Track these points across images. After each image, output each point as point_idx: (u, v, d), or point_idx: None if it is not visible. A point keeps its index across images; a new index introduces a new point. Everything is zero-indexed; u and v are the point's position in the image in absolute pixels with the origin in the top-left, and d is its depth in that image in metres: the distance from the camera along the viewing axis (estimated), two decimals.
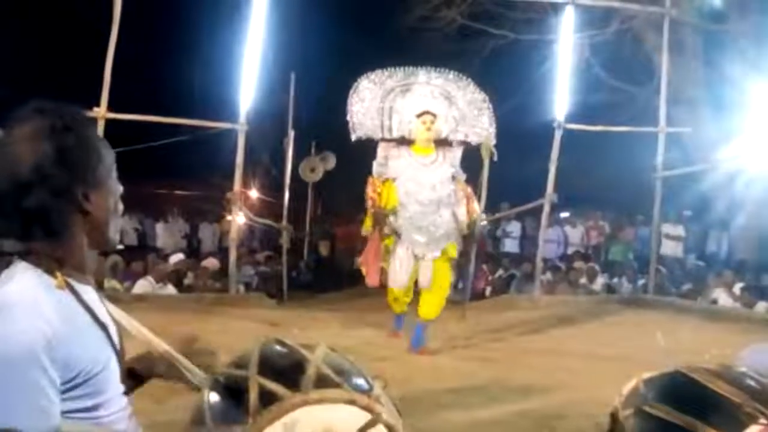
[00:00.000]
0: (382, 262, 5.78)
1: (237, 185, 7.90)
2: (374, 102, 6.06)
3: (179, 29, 13.63)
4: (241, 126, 7.80)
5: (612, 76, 11.57)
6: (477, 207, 5.88)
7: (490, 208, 11.95)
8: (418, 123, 5.78)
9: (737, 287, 8.07)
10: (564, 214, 12.97)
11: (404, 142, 5.90)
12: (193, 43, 13.73)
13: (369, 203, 5.77)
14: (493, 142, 6.02)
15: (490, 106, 6.12)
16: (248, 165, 9.24)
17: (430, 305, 5.68)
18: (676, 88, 9.86)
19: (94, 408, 1.19)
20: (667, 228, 10.27)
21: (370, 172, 5.94)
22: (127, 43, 7.61)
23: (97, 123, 7.15)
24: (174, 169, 16.53)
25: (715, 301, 8.05)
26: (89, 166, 1.26)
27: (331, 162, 13.25)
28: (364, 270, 5.90)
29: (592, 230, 12.80)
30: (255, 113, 8.08)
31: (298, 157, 12.33)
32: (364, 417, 1.03)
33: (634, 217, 12.61)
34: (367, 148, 6.18)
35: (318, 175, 13.22)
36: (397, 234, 5.66)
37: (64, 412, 1.13)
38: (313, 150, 13.51)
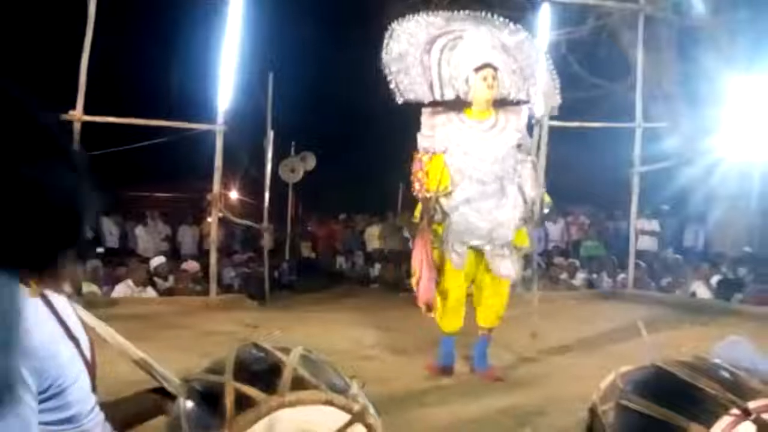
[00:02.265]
0: (433, 261, 4.55)
1: (216, 187, 7.86)
2: (415, 57, 4.78)
3: (155, 30, 13.54)
4: (219, 127, 7.76)
5: (589, 72, 11.66)
6: (541, 183, 4.87)
7: None
8: (478, 79, 4.54)
9: (714, 280, 8.18)
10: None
11: (456, 105, 4.68)
12: (170, 44, 13.63)
13: (416, 186, 4.60)
14: (559, 101, 5.11)
15: (549, 56, 5.12)
16: (227, 166, 9.19)
17: (491, 310, 4.69)
18: (652, 83, 9.96)
19: (67, 421, 1.17)
20: (642, 223, 10.37)
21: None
22: (102, 44, 7.53)
23: (73, 126, 7.07)
24: (152, 172, 16.41)
25: (693, 294, 8.15)
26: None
27: (311, 162, 13.24)
28: (416, 287, 4.63)
29: (573, 226, 12.92)
30: (233, 114, 8.04)
31: (277, 158, 12.30)
32: (342, 417, 1.03)
33: (612, 213, 12.74)
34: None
35: (298, 176, 13.21)
36: (449, 219, 4.53)
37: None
38: (292, 150, 13.49)
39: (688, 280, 8.67)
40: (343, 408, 1.03)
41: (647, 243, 10.98)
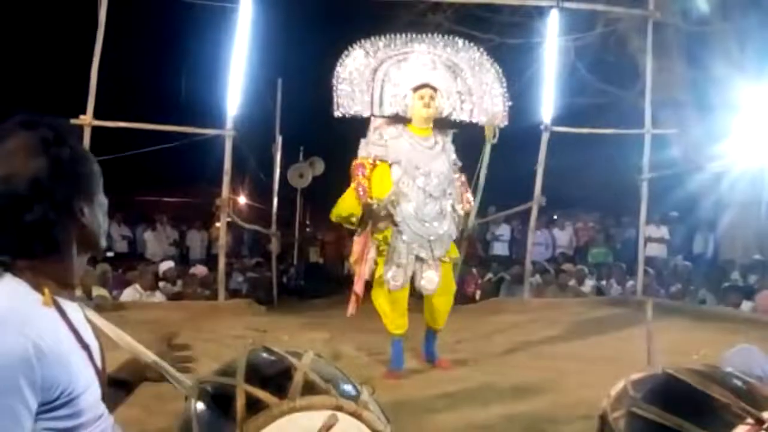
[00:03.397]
0: (374, 264, 4.89)
1: (225, 192, 7.87)
2: (365, 73, 5.11)
3: (165, 36, 13.60)
4: (228, 132, 7.78)
5: (598, 78, 11.64)
6: (471, 198, 5.17)
7: (479, 211, 12.05)
8: (416, 98, 4.90)
9: (723, 287, 8.13)
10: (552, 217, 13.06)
11: (399, 120, 5.00)
12: (180, 49, 13.70)
13: (359, 192, 4.79)
14: (504, 123, 5.23)
15: (504, 81, 5.28)
16: (236, 171, 9.22)
17: (441, 312, 5.02)
18: (661, 90, 9.93)
19: (76, 428, 1.17)
20: (650, 230, 10.32)
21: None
22: (112, 50, 7.58)
23: (83, 131, 7.11)
24: (161, 177, 16.47)
25: (702, 302, 8.09)
26: (84, 180, 1.25)
27: (320, 167, 13.26)
28: (357, 272, 4.97)
29: (582, 232, 12.88)
30: (242, 119, 8.07)
31: (286, 163, 12.33)
32: (352, 423, 1.03)
33: (620, 219, 12.70)
34: (357, 150, 5.56)
35: (306, 181, 13.23)
36: (397, 228, 4.79)
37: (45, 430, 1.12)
38: (301, 155, 13.52)
39: (697, 288, 8.61)
40: (352, 414, 1.03)
41: (656, 250, 10.94)
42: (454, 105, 5.12)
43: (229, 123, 7.79)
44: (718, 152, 8.68)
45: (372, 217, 4.74)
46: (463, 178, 5.22)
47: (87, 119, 7.23)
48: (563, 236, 12.64)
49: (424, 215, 4.84)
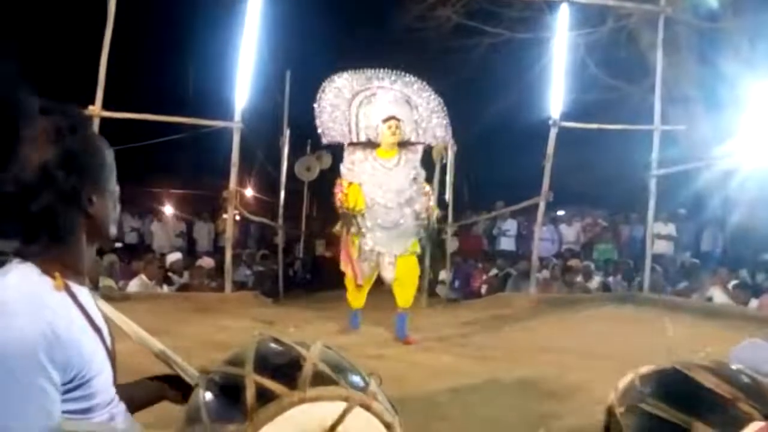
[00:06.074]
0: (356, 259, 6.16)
1: (232, 184, 7.88)
2: (341, 108, 6.37)
3: (174, 27, 13.61)
4: (236, 124, 7.79)
5: (607, 74, 11.58)
6: (432, 204, 6.31)
7: (485, 206, 12.06)
8: (384, 128, 6.10)
9: (731, 285, 8.09)
10: (559, 212, 13.02)
11: (369, 145, 6.23)
12: (189, 41, 13.72)
13: (338, 204, 6.12)
14: (450, 143, 6.56)
15: (446, 110, 6.43)
16: (244, 164, 9.22)
17: (405, 295, 6.18)
18: (671, 86, 9.87)
19: (89, 410, 1.19)
20: (658, 227, 10.28)
21: None
22: (122, 41, 7.58)
23: (92, 121, 7.13)
24: (169, 168, 16.50)
25: (710, 299, 8.06)
26: (94, 169, 1.26)
27: (327, 161, 13.25)
28: (348, 272, 6.23)
29: (589, 228, 12.84)
30: (250, 112, 8.07)
31: (294, 156, 12.33)
32: (361, 413, 1.03)
33: (628, 216, 12.66)
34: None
35: (314, 174, 13.24)
36: (362, 232, 6.07)
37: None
38: (308, 148, 13.52)
39: (705, 285, 8.58)
40: (361, 404, 1.03)
41: (663, 247, 10.89)
42: (412, 131, 6.36)
43: (237, 115, 7.79)
44: (728, 149, 8.63)
45: (346, 223, 6.07)
46: (428, 188, 6.37)
47: (95, 110, 7.24)
48: (570, 232, 12.61)
49: (385, 223, 6.04)
